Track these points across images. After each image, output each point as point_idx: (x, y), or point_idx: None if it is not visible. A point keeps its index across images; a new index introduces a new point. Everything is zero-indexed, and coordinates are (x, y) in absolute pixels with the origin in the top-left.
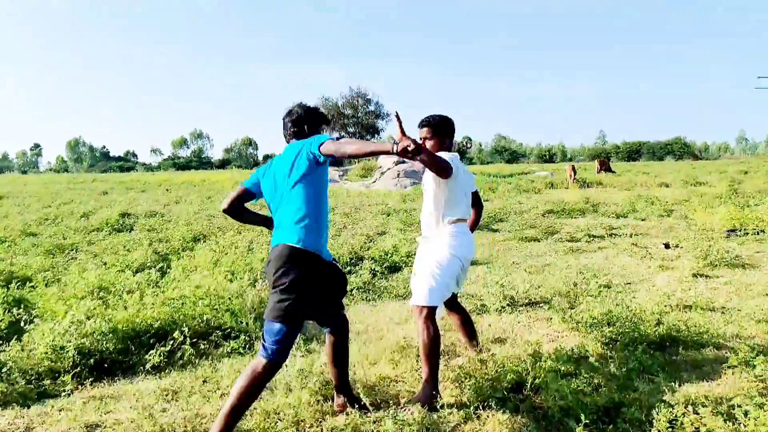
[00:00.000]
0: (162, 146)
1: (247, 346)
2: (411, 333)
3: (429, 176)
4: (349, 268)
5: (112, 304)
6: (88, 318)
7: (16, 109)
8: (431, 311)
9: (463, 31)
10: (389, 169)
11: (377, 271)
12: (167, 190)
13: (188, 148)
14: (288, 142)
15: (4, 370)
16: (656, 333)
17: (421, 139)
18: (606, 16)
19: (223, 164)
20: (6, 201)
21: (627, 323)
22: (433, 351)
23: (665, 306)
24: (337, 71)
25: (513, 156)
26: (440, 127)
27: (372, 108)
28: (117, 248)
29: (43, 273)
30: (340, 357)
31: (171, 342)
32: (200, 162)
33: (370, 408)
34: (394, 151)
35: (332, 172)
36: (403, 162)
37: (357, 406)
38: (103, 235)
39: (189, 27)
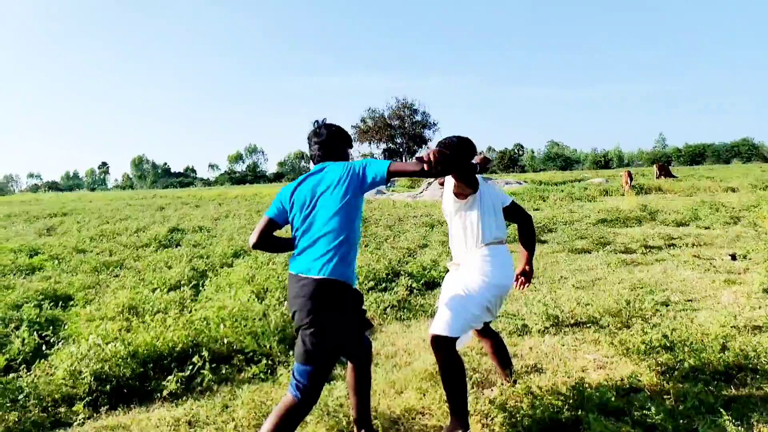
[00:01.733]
0: (219, 161)
1: (269, 371)
2: None
3: (448, 200)
4: (384, 284)
5: (135, 326)
6: (107, 342)
7: (84, 130)
8: (451, 342)
9: (509, 36)
10: (435, 179)
11: (414, 287)
12: (219, 204)
13: (243, 162)
14: (315, 162)
15: (21, 396)
16: (721, 360)
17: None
18: (664, 7)
19: (277, 177)
20: (69, 218)
21: (686, 348)
22: (457, 385)
23: (731, 327)
24: (384, 82)
25: (566, 162)
26: (459, 152)
27: (419, 118)
28: (159, 265)
29: (85, 291)
30: (361, 386)
31: (190, 367)
32: (255, 176)
33: None
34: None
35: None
36: None
37: None
38: (150, 251)
39: (242, 44)
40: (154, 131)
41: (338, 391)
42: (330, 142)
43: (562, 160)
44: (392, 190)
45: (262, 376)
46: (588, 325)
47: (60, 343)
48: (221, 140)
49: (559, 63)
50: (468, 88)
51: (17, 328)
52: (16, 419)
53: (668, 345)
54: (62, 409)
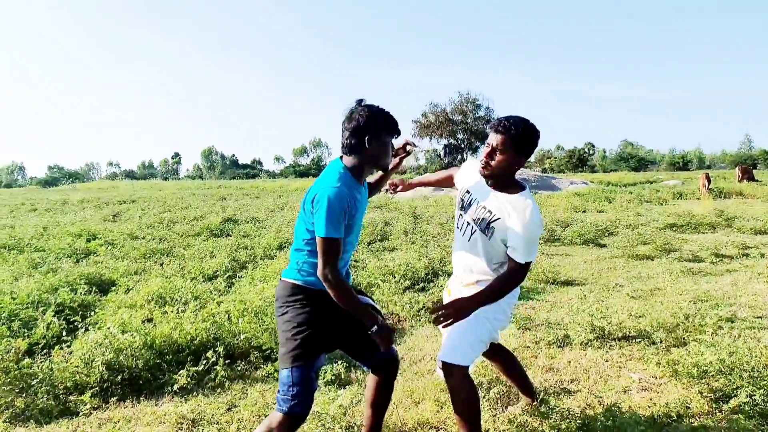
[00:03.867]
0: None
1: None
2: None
3: (511, 228)
4: (422, 284)
5: (157, 317)
6: (124, 331)
7: (160, 121)
8: (464, 369)
9: (581, 30)
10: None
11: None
12: (279, 196)
13: (308, 156)
14: (343, 152)
15: (34, 382)
16: None
17: (488, 146)
18: None
19: None
20: (135, 205)
21: (746, 374)
22: (470, 414)
23: None
24: (448, 75)
25: (640, 163)
26: (521, 142)
27: (482, 113)
28: (204, 254)
29: (128, 277)
30: (379, 400)
31: (204, 361)
32: (318, 169)
33: None
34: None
35: None
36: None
37: None
38: (200, 240)
39: (309, 39)
40: (224, 124)
41: (342, 400)
42: (366, 129)
43: (635, 160)
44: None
45: (276, 375)
46: (638, 340)
47: (84, 330)
48: (287, 134)
49: (636, 57)
50: (537, 84)
51: (45, 312)
52: (24, 406)
53: (725, 369)
54: (72, 398)
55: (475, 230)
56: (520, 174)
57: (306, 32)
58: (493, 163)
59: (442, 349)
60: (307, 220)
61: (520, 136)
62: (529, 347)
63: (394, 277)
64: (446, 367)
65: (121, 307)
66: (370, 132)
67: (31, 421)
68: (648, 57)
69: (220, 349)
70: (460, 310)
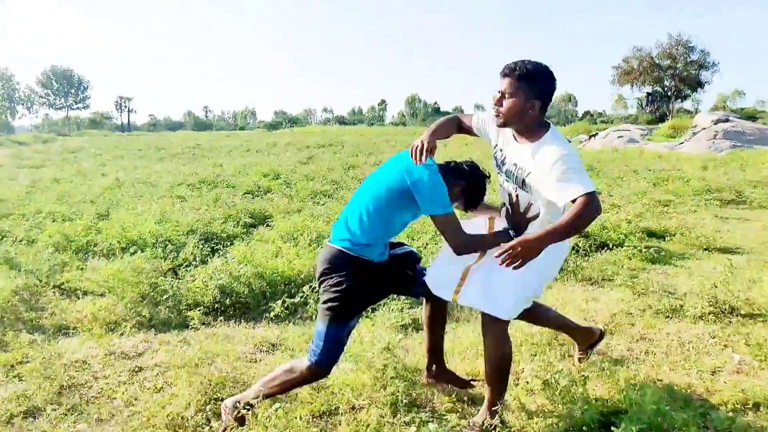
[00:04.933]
0: (486, 102)
1: (379, 308)
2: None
3: (542, 178)
4: None
5: (284, 251)
6: (240, 261)
7: (368, 70)
8: (506, 324)
9: None
10: (704, 129)
11: (582, 248)
12: (466, 144)
13: None
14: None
15: (164, 297)
16: None
17: (498, 93)
18: None
19: None
20: (330, 149)
21: None
22: (504, 372)
23: None
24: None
25: None
26: (529, 83)
27: (694, 57)
28: None
29: (284, 214)
30: (433, 321)
31: (301, 295)
32: None
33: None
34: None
35: (634, 131)
36: (726, 120)
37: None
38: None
39: None
40: (428, 72)
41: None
42: (457, 176)
43: None
44: (648, 139)
45: (367, 314)
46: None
47: (220, 256)
48: (489, 81)
49: None
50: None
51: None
52: (149, 316)
53: None
54: (190, 313)
55: (516, 189)
56: (732, 127)
57: None
58: (502, 109)
59: (494, 303)
60: (395, 201)
61: (525, 75)
62: (631, 314)
63: None
64: (487, 319)
65: (261, 240)
66: (455, 178)
67: (153, 329)
68: None
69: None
70: (529, 249)
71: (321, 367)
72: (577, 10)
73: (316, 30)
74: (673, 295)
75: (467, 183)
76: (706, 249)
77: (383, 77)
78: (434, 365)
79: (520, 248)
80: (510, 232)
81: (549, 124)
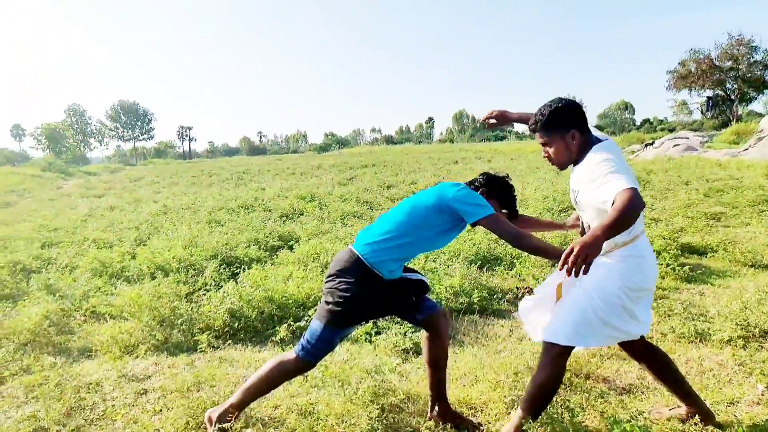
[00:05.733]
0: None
1: (382, 331)
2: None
3: (588, 190)
4: None
5: (296, 275)
6: (253, 287)
7: (412, 89)
8: (565, 351)
9: None
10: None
11: None
12: (512, 159)
13: None
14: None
15: (179, 321)
16: None
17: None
18: None
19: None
20: (370, 170)
21: None
22: (544, 396)
23: None
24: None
25: None
26: (554, 125)
27: (758, 57)
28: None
29: (309, 236)
30: (434, 356)
31: (307, 318)
32: None
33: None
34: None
35: (692, 139)
36: None
37: (455, 421)
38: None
39: None
40: (475, 86)
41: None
42: (489, 186)
43: None
44: (708, 146)
45: (363, 339)
46: None
47: (235, 280)
48: (541, 95)
49: None
50: None
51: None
52: (163, 339)
53: None
54: (199, 337)
55: (583, 216)
56: None
57: None
58: (553, 158)
59: (549, 328)
60: (432, 218)
61: (546, 123)
62: (651, 337)
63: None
64: (544, 344)
65: (281, 264)
66: (490, 190)
67: (165, 352)
68: None
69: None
70: (585, 246)
71: (306, 362)
72: (627, 12)
73: (363, 51)
74: (701, 317)
75: (493, 189)
76: (752, 266)
77: (430, 94)
78: (438, 403)
79: (577, 248)
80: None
81: (596, 141)
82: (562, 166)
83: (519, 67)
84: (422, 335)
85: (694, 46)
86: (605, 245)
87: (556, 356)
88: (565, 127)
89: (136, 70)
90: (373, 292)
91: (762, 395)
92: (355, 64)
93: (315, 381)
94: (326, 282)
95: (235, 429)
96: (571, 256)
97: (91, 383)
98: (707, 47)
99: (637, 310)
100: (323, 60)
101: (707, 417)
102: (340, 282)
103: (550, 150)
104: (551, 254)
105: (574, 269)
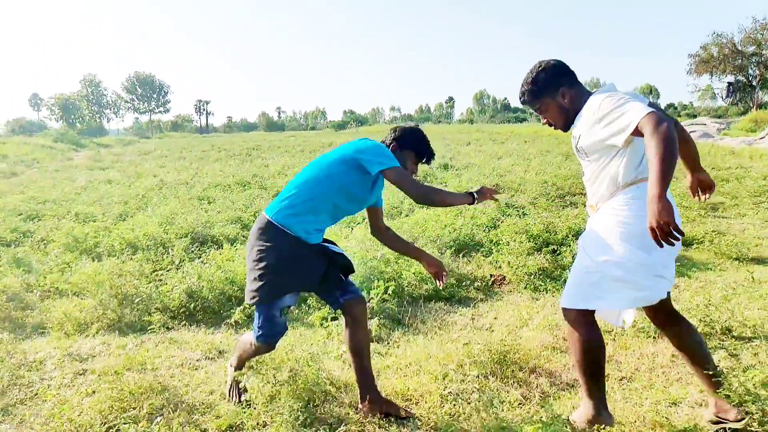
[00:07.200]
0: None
1: (329, 319)
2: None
3: (592, 131)
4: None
5: None
6: (219, 267)
7: (434, 68)
8: (581, 315)
9: None
10: None
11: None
12: (525, 141)
13: None
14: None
15: (137, 300)
16: None
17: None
18: None
19: None
20: None
21: None
22: (586, 361)
23: None
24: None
25: None
26: (542, 89)
27: None
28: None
29: None
30: (354, 342)
31: None
32: None
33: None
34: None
35: (709, 126)
36: None
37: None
38: None
39: None
40: (497, 66)
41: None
42: (400, 139)
43: None
44: (723, 134)
45: (321, 322)
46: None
47: (201, 260)
48: None
49: None
50: None
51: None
52: (117, 318)
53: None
54: (149, 318)
55: (583, 164)
56: None
57: None
58: (552, 123)
59: (564, 293)
60: (334, 168)
61: (532, 92)
62: (609, 332)
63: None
64: (564, 312)
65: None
66: (401, 141)
67: (117, 331)
68: None
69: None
70: (655, 212)
71: (261, 344)
72: None
73: (384, 28)
74: None
75: (404, 140)
76: (736, 259)
77: (451, 74)
78: (368, 392)
79: (653, 224)
80: (474, 193)
81: (588, 93)
82: (565, 127)
83: (541, 48)
84: (343, 322)
85: (716, 30)
86: (606, 190)
87: (573, 322)
88: (552, 88)
89: (152, 41)
90: (290, 256)
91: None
92: (377, 41)
93: (251, 364)
94: (247, 258)
95: (165, 415)
96: (657, 236)
97: (34, 361)
98: (730, 31)
99: (653, 261)
100: (345, 36)
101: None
102: (256, 252)
103: (547, 115)
104: (460, 201)
105: (671, 242)
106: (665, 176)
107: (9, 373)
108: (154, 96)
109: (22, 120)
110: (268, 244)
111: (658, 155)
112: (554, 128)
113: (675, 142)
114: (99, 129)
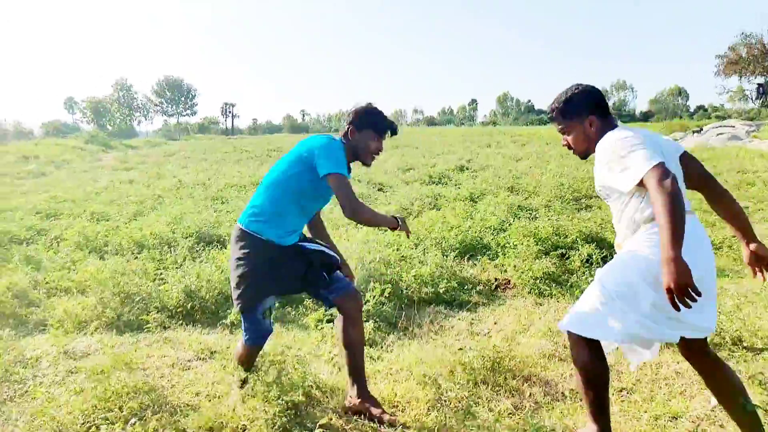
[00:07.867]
0: None
1: (324, 321)
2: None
3: (602, 174)
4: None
5: None
6: (219, 268)
7: (457, 70)
8: (581, 341)
9: None
10: None
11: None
12: (547, 143)
13: (610, 99)
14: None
15: (137, 299)
16: None
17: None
18: None
19: (646, 117)
20: (400, 150)
21: None
22: (588, 385)
23: None
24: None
25: None
26: (570, 111)
27: None
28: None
29: None
30: (348, 338)
31: None
32: (620, 114)
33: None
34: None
35: (738, 128)
36: None
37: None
38: (417, 185)
39: None
40: (520, 68)
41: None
42: (355, 119)
43: None
44: (753, 136)
45: (315, 325)
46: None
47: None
48: (587, 77)
49: None
50: None
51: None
52: (115, 316)
53: None
54: (147, 317)
55: (607, 202)
56: None
57: None
58: (573, 147)
59: (569, 313)
60: (291, 169)
61: (562, 110)
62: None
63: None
64: (568, 335)
65: None
66: (356, 123)
67: (114, 330)
68: None
69: None
70: (673, 274)
71: (250, 346)
72: None
73: (408, 31)
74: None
75: (361, 121)
76: None
77: (474, 76)
78: (357, 389)
79: (671, 285)
80: (398, 219)
81: (614, 127)
82: (583, 155)
83: (567, 49)
84: (336, 317)
85: (745, 29)
86: (627, 229)
87: (573, 345)
88: (582, 114)
89: (184, 46)
90: (265, 261)
91: (712, 410)
92: (401, 43)
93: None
94: (230, 266)
95: (146, 416)
96: (672, 295)
97: (30, 358)
98: (760, 31)
99: (664, 302)
100: (368, 39)
101: None
102: (235, 261)
103: (569, 138)
104: (385, 223)
105: (687, 304)
106: (676, 235)
107: (3, 370)
108: (182, 99)
109: (57, 122)
110: (244, 251)
111: (666, 213)
112: (573, 152)
113: (679, 195)
114: (129, 131)
